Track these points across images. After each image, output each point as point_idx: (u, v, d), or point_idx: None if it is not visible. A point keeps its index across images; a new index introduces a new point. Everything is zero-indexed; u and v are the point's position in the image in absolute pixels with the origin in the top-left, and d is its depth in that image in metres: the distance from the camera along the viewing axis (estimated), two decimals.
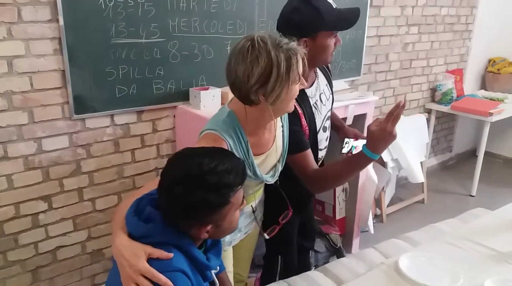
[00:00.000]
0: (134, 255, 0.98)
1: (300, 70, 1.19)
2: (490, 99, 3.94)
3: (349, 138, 1.78)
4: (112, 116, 2.03)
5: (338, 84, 2.57)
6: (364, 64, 3.15)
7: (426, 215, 3.23)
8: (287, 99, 1.20)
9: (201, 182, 0.98)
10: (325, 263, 2.31)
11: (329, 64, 1.67)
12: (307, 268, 1.94)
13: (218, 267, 1.16)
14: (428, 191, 3.62)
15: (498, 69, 4.23)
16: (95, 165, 2.05)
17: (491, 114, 3.46)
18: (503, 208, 1.93)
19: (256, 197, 1.45)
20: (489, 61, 4.37)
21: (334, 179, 1.40)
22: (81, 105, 1.90)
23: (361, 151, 1.29)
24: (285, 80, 1.16)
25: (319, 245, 2.57)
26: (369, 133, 1.26)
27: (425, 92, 3.86)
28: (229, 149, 1.22)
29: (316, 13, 1.43)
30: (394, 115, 1.22)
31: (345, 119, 2.33)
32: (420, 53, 3.63)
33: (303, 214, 1.79)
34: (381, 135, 1.24)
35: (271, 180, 1.39)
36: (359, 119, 2.45)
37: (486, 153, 4.09)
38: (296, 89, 1.22)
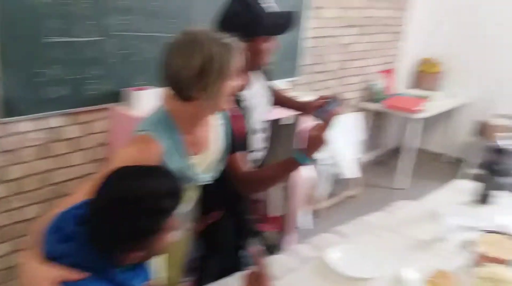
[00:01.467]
0: (44, 280, 0.92)
1: (238, 65, 1.19)
2: (419, 97, 4.22)
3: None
4: (42, 119, 1.96)
5: (278, 84, 2.64)
6: (303, 65, 3.24)
7: (360, 208, 3.36)
8: (223, 95, 1.20)
9: (136, 208, 0.92)
10: None
11: (267, 67, 1.71)
12: (242, 268, 1.96)
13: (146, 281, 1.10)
14: (362, 186, 3.81)
15: (425, 69, 4.53)
16: (23, 171, 1.96)
17: (416, 111, 3.71)
18: (425, 199, 2.09)
19: (192, 198, 1.46)
20: (420, 60, 4.66)
21: (264, 183, 1.45)
22: (10, 108, 1.82)
23: (292, 157, 1.33)
24: (222, 75, 1.15)
25: (255, 243, 2.62)
26: (310, 138, 1.31)
27: (360, 91, 4.05)
28: (162, 150, 1.19)
29: (254, 17, 1.46)
30: (325, 123, 1.30)
31: (280, 119, 2.40)
32: (356, 54, 3.80)
33: (238, 213, 1.81)
34: (316, 140, 1.30)
35: (208, 180, 1.40)
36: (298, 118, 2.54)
37: (411, 148, 4.38)
38: (232, 85, 1.21)
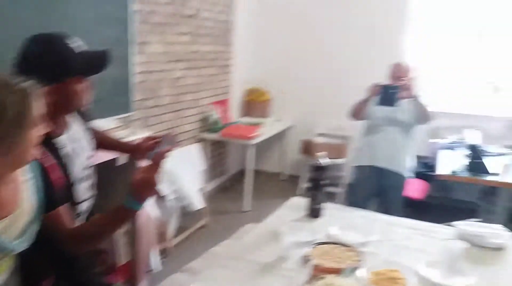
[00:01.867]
0: None
1: (38, 112, 1.08)
2: (251, 124, 4.49)
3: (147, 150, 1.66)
4: None
5: (107, 122, 2.50)
6: (135, 100, 3.16)
7: (210, 239, 3.38)
8: (25, 147, 1.07)
9: None
10: None
11: (85, 108, 1.60)
12: None
13: None
14: (210, 215, 3.84)
15: (255, 98, 4.87)
16: None
17: (251, 138, 3.94)
18: (266, 221, 2.18)
19: (4, 270, 1.24)
20: (247, 91, 4.99)
21: (95, 237, 1.33)
22: None
23: (122, 204, 1.25)
24: (20, 124, 1.03)
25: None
26: (135, 183, 1.24)
27: (197, 123, 4.12)
28: None
29: (64, 58, 1.36)
30: (156, 165, 1.24)
31: (115, 159, 2.27)
32: (189, 87, 3.87)
33: (74, 274, 1.63)
34: (147, 184, 1.23)
35: (24, 246, 1.21)
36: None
37: (254, 171, 4.61)
38: (35, 134, 1.09)
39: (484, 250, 1.84)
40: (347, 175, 4.52)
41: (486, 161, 3.10)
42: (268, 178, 5.18)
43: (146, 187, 1.24)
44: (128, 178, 1.82)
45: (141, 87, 3.23)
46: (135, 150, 1.74)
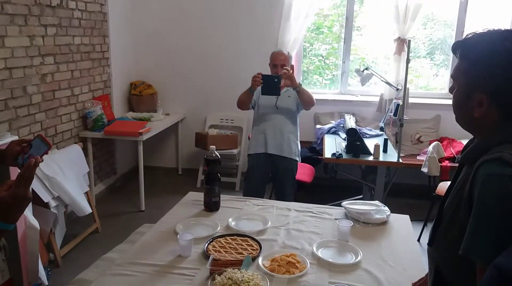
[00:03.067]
0: None
1: None
2: (139, 119, 4.29)
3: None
4: None
5: None
6: None
7: (103, 244, 3.19)
8: None
9: None
10: None
11: None
12: None
13: None
14: (101, 218, 3.60)
15: (140, 92, 4.65)
16: None
17: (141, 134, 3.76)
18: (162, 220, 2.10)
19: None
20: (131, 84, 4.75)
21: None
22: None
23: None
24: None
25: None
26: (1, 202, 1.07)
27: (76, 121, 3.81)
28: None
29: None
30: (26, 177, 1.10)
31: None
32: (61, 83, 3.55)
33: None
34: (14, 201, 1.08)
35: None
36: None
37: (147, 167, 4.44)
38: None
39: (369, 226, 2.00)
40: (241, 165, 4.59)
41: (365, 142, 3.37)
42: (165, 174, 5.04)
43: (15, 205, 1.08)
44: None
45: (2, 86, 2.86)
46: (3, 155, 1.53)
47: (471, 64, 1.10)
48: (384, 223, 2.02)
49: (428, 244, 1.24)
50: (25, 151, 1.38)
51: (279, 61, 3.16)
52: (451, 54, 4.42)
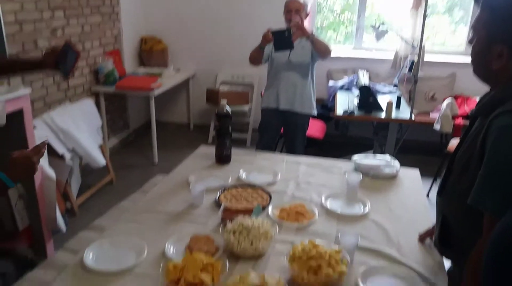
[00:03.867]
0: None
1: None
2: (150, 74, 4.28)
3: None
4: None
5: None
6: (8, 54, 2.81)
7: (116, 195, 3.29)
8: None
9: None
10: None
11: None
12: None
13: None
14: (115, 171, 3.69)
15: (151, 47, 4.61)
16: None
17: (152, 89, 3.77)
18: (175, 171, 2.15)
19: None
20: (142, 40, 4.70)
21: None
22: None
23: None
24: None
25: (5, 265, 2.23)
26: (12, 160, 1.21)
27: (88, 75, 3.82)
28: None
29: None
30: (39, 150, 1.24)
31: None
32: (72, 38, 3.53)
33: None
34: (24, 164, 1.22)
35: None
36: (15, 118, 2.18)
37: (159, 123, 4.49)
38: None
39: (378, 180, 2.01)
40: (252, 121, 4.59)
41: (378, 99, 3.34)
42: (177, 130, 5.09)
43: (23, 168, 1.22)
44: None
45: (13, 40, 2.86)
46: (42, 63, 1.70)
47: (493, 15, 1.07)
48: (393, 177, 2.04)
49: (437, 194, 1.26)
50: (60, 55, 1.63)
51: (293, 7, 3.04)
52: (471, 10, 4.27)
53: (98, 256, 1.40)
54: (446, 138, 3.71)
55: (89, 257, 1.39)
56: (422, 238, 1.50)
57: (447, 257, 1.38)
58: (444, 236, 1.29)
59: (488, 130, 1.04)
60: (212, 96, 4.48)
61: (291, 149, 3.24)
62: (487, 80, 1.16)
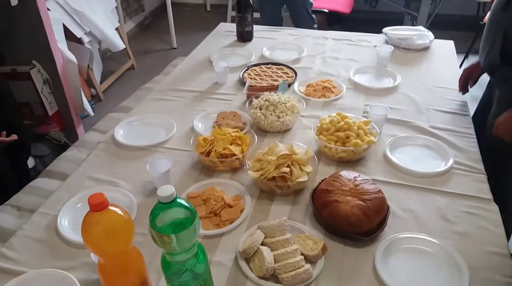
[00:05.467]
0: None
1: None
2: None
3: None
4: None
5: None
6: None
7: (139, 78, 3.28)
8: None
9: None
10: None
11: None
12: (28, 179, 1.75)
13: None
14: (135, 55, 3.63)
15: None
16: None
17: None
18: (196, 50, 2.08)
19: None
20: None
21: None
22: None
23: None
24: None
25: (41, 148, 2.34)
26: None
27: None
28: None
29: None
30: None
31: None
32: None
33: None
34: None
35: None
36: None
37: (175, 4, 4.27)
38: None
39: (410, 52, 1.91)
40: None
41: None
42: (193, 11, 4.86)
43: None
44: None
45: None
46: None
47: None
48: (426, 49, 1.93)
49: (502, 8, 1.20)
50: None
51: None
52: None
53: (128, 133, 1.42)
54: (483, 9, 3.43)
55: (120, 133, 1.41)
56: (463, 90, 1.50)
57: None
58: (506, 53, 1.23)
59: None
60: None
61: (295, 18, 3.05)
62: None
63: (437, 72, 1.75)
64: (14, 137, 1.39)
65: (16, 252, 0.99)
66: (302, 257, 0.91)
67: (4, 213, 1.33)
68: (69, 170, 1.47)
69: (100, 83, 3.17)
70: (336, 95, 1.57)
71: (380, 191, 1.03)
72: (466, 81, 1.47)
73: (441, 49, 1.94)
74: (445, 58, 1.86)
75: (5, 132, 1.37)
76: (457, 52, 1.94)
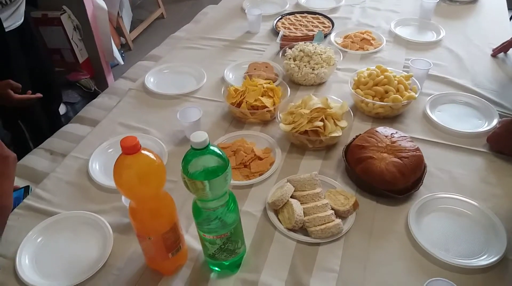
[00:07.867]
0: None
1: None
2: None
3: None
4: None
5: None
6: None
7: (169, 27, 3.21)
8: None
9: None
10: None
11: None
12: (60, 125, 1.77)
13: None
14: (165, 4, 3.56)
15: None
16: None
17: None
18: None
19: None
20: None
21: None
22: None
23: None
24: None
25: (72, 96, 2.36)
26: None
27: None
28: None
29: None
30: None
31: None
32: None
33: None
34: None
35: None
36: None
37: None
38: None
39: (456, 4, 1.78)
40: None
41: None
42: None
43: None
44: None
45: None
46: None
47: None
48: (473, 1, 1.79)
49: None
50: None
51: None
52: None
53: (159, 81, 1.40)
54: None
55: (150, 80, 1.39)
56: (495, 53, 1.43)
57: None
58: None
59: None
60: None
61: None
62: None
63: (485, 26, 1.63)
64: (39, 95, 1.38)
65: (49, 193, 1.01)
66: (332, 211, 0.89)
67: (37, 156, 1.35)
68: (100, 116, 1.47)
69: (130, 31, 3.14)
70: (375, 48, 1.49)
71: (418, 149, 0.98)
72: (506, 48, 1.39)
73: (491, 2, 1.80)
74: (494, 13, 1.73)
75: (30, 91, 1.37)
76: (509, 9, 1.79)
